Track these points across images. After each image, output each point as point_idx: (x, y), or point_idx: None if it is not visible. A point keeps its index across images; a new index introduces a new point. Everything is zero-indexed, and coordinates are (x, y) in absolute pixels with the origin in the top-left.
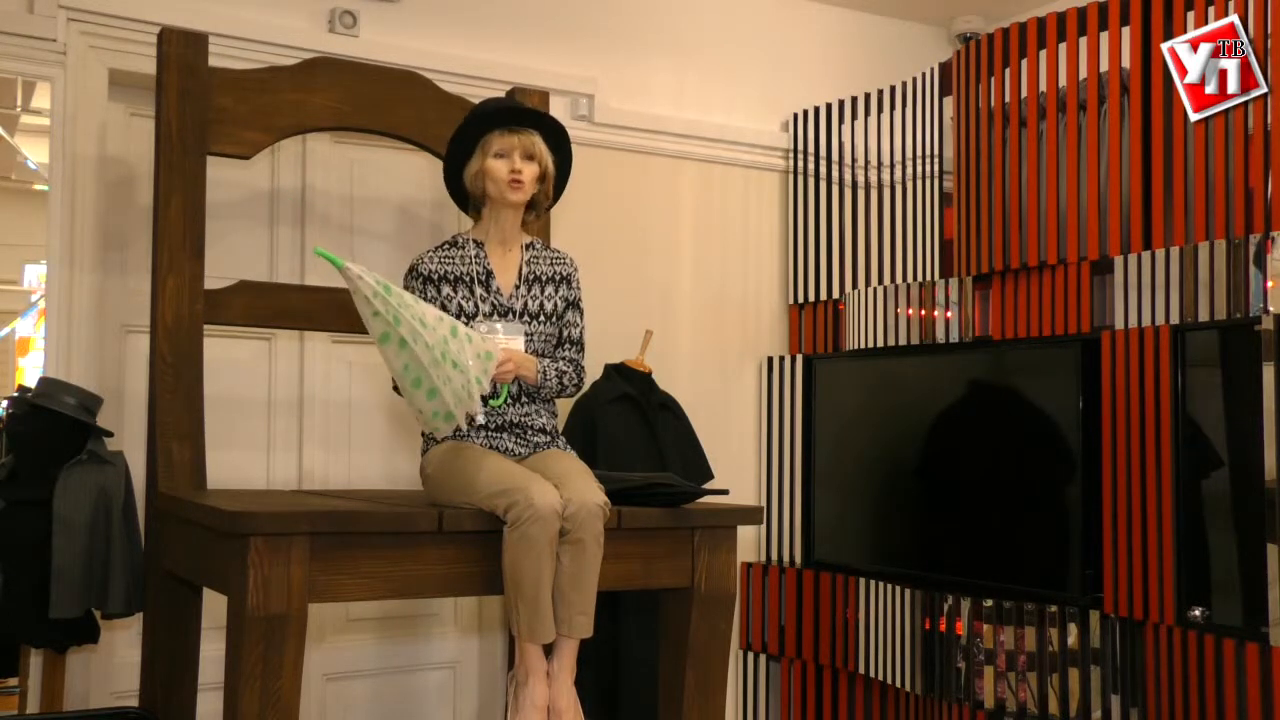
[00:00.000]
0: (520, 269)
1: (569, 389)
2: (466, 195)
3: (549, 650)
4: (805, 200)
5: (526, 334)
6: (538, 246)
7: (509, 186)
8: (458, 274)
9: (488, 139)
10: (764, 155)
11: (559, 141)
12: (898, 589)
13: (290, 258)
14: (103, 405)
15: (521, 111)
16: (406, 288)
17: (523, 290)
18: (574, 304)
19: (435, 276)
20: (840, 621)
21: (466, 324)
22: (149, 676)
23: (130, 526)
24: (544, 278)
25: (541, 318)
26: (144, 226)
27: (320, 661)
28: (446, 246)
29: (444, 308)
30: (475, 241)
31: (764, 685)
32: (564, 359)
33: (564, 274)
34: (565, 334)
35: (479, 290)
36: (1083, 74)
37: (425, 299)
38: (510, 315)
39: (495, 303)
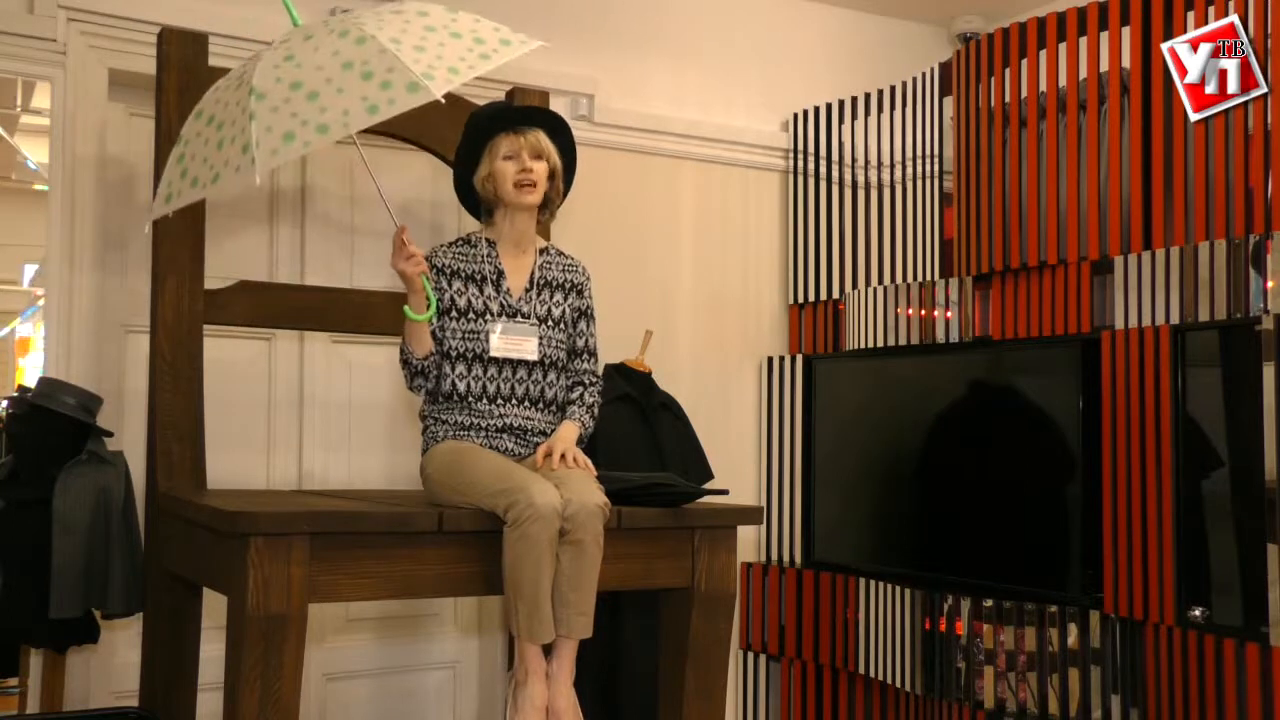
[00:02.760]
0: (533, 273)
1: (598, 405)
2: (478, 201)
3: (548, 650)
4: (805, 200)
5: (539, 337)
6: (552, 252)
7: (520, 189)
8: (470, 271)
9: (494, 142)
10: (764, 155)
11: (564, 138)
12: (898, 589)
13: (290, 258)
14: (103, 405)
15: (523, 110)
16: None
17: (533, 294)
18: (585, 313)
19: (448, 270)
20: (840, 621)
21: (475, 319)
22: (149, 676)
23: (130, 526)
24: (555, 283)
25: (550, 322)
26: (144, 226)
27: (320, 661)
28: (461, 244)
29: (454, 302)
30: (488, 241)
31: (764, 685)
32: (581, 376)
33: (576, 282)
34: (579, 344)
35: (489, 289)
36: (1083, 74)
37: (438, 288)
38: (518, 317)
39: (504, 303)
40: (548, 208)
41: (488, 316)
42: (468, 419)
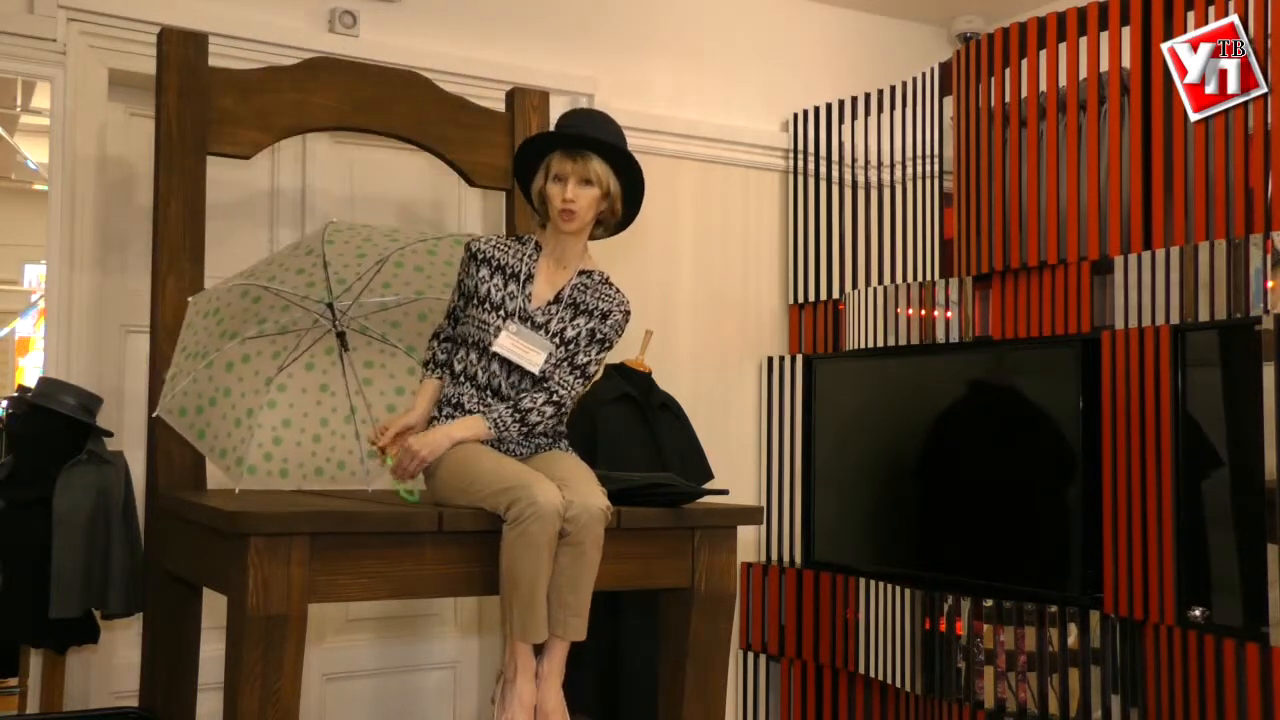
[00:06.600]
0: (563, 290)
1: (542, 425)
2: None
3: (538, 650)
4: (805, 200)
5: (549, 353)
6: (595, 278)
7: (561, 216)
8: (502, 262)
9: (549, 159)
10: (764, 155)
11: (625, 163)
12: (898, 589)
13: None
14: (103, 405)
15: (584, 138)
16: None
17: (554, 309)
18: (595, 336)
19: (480, 257)
20: (840, 621)
21: (490, 311)
22: (149, 676)
23: (130, 526)
24: (581, 306)
25: (558, 341)
26: (144, 226)
27: (320, 661)
28: (511, 239)
29: (477, 288)
30: (537, 245)
31: (764, 685)
32: (553, 385)
33: (603, 309)
34: (571, 354)
35: (512, 286)
36: (1083, 74)
37: (468, 275)
38: (529, 324)
39: (521, 306)
40: (602, 224)
41: (501, 312)
42: (475, 407)
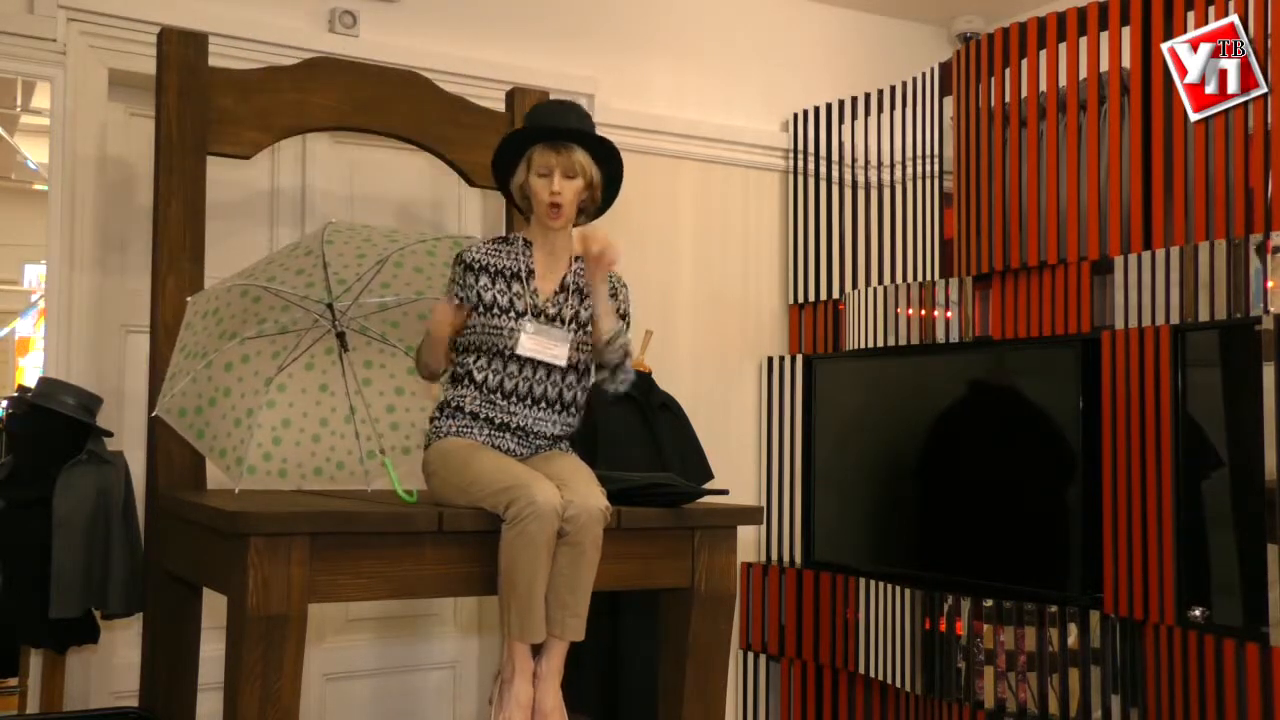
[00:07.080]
0: (565, 278)
1: (624, 377)
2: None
3: (538, 651)
4: (805, 200)
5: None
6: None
7: (548, 212)
8: (499, 266)
9: (531, 153)
10: (764, 155)
11: (607, 152)
12: (898, 589)
13: None
14: (103, 405)
15: (565, 130)
16: (451, 275)
17: (562, 298)
18: (618, 314)
19: (476, 266)
20: (840, 621)
21: (499, 315)
22: (149, 676)
23: (130, 526)
24: (586, 290)
25: (574, 325)
26: (144, 226)
27: (320, 661)
28: (498, 241)
29: (479, 297)
30: (526, 241)
31: (764, 685)
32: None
33: (609, 289)
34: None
35: (516, 286)
36: (1083, 74)
37: (464, 286)
38: (543, 318)
39: (530, 301)
40: (583, 212)
41: (512, 314)
42: (478, 409)
